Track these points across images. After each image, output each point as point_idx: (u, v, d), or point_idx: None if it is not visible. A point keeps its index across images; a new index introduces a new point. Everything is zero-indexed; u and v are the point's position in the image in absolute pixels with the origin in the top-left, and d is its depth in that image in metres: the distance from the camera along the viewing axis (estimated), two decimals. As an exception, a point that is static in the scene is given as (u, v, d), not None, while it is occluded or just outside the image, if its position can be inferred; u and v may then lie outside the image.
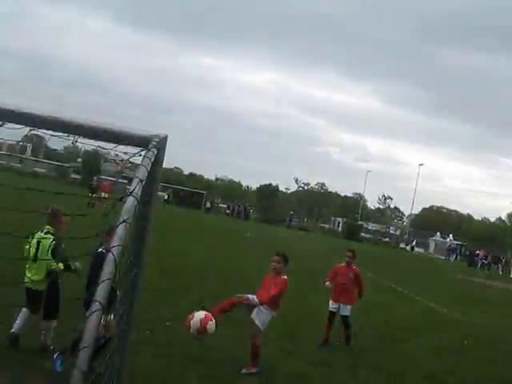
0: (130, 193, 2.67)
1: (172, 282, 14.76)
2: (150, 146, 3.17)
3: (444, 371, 10.79)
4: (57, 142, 3.61)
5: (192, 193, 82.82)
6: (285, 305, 9.32)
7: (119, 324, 3.98)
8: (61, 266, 7.52)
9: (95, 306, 2.37)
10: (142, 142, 3.28)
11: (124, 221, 2.55)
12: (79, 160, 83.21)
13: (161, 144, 3.30)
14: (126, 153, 3.39)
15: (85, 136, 3.36)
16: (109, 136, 3.29)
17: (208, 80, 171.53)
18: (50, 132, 3.43)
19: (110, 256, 2.49)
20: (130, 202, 2.66)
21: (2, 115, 3.33)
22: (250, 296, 8.40)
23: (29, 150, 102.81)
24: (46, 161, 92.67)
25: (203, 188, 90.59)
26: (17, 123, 3.41)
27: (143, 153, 3.13)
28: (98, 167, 73.97)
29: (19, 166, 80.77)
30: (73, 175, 76.31)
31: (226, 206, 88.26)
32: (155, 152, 3.16)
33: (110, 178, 60.69)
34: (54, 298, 7.58)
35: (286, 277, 8.76)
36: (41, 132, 3.45)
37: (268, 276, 8.92)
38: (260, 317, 8.46)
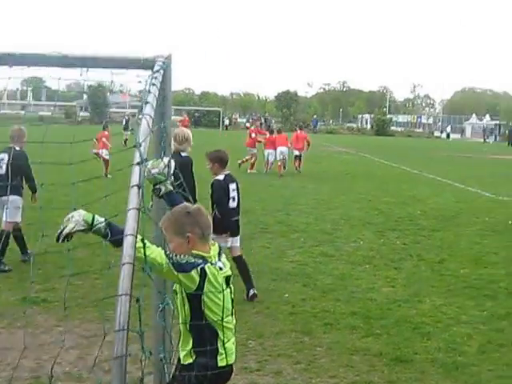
0: (142, 114, 2.85)
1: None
2: (156, 67, 3.38)
3: (489, 252, 11.19)
4: (57, 82, 3.71)
5: (207, 112, 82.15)
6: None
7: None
8: None
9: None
10: (147, 64, 3.50)
11: (142, 142, 2.74)
12: (85, 98, 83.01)
13: (167, 63, 3.53)
14: (140, 81, 3.54)
15: (87, 67, 3.54)
16: (113, 64, 3.51)
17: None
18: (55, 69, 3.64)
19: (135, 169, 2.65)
20: (145, 123, 2.84)
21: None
22: None
23: (30, 94, 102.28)
24: (49, 102, 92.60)
25: (219, 105, 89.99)
26: (17, 64, 3.57)
27: (151, 75, 3.32)
28: (105, 101, 73.99)
29: (23, 112, 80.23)
30: (81, 113, 76.55)
31: (245, 120, 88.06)
32: (162, 73, 3.38)
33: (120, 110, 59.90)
34: None
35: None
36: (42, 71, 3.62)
37: None
38: None
